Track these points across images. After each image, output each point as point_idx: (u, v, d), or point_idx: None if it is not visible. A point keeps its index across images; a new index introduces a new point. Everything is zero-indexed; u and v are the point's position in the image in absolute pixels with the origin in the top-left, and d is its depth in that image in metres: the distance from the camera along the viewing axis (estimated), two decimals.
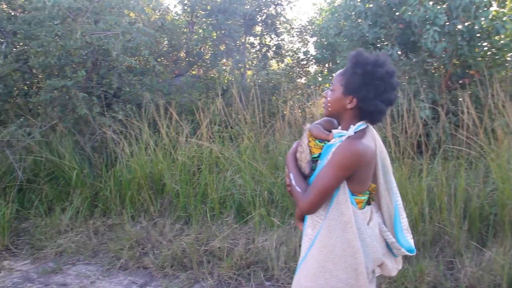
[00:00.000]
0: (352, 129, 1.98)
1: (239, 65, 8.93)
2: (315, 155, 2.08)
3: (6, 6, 6.15)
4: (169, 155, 5.48)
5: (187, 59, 8.51)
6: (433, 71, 6.25)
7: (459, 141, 5.06)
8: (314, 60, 9.15)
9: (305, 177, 2.09)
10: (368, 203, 2.07)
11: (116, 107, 6.05)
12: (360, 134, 1.97)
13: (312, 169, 2.08)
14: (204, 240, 4.40)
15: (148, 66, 6.95)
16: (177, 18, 8.93)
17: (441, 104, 5.41)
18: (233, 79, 8.22)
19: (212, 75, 8.58)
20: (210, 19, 8.61)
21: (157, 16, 8.26)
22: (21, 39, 5.84)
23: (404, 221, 2.17)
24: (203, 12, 8.70)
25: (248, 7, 8.83)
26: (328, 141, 2.04)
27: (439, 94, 5.66)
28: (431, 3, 5.44)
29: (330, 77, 7.32)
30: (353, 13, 6.46)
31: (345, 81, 1.95)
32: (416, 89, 5.47)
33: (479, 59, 5.81)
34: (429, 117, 5.28)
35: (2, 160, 5.52)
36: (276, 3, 9.42)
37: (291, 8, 11.23)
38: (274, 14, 9.49)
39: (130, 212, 5.12)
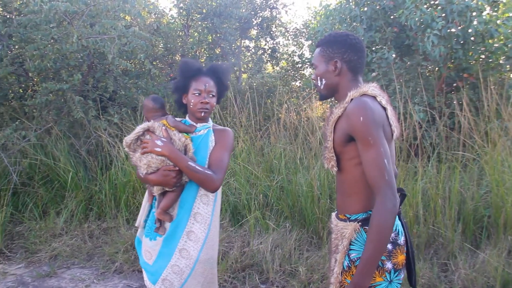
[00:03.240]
0: (211, 121, 2.54)
1: (234, 68, 8.94)
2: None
3: (1, 9, 6.14)
4: None
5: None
6: (427, 74, 6.28)
7: (454, 144, 5.09)
8: (309, 63, 9.17)
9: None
10: None
11: (112, 110, 6.05)
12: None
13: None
14: None
15: (143, 69, 6.95)
16: (172, 21, 8.95)
17: (436, 107, 5.44)
18: (228, 82, 8.21)
19: None
20: (206, 22, 8.63)
21: (152, 20, 8.27)
22: (16, 42, 5.82)
23: None
24: (198, 16, 8.72)
25: (244, 10, 8.85)
26: (190, 132, 2.41)
27: (434, 97, 5.69)
28: (425, 6, 5.47)
29: None
30: (348, 17, 6.49)
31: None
32: (411, 92, 5.49)
33: (473, 62, 5.85)
34: (424, 120, 5.31)
35: None
36: (271, 7, 9.44)
37: (286, 11, 11.29)
38: (270, 17, 9.52)
39: (125, 215, 5.11)
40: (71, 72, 5.78)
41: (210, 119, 2.53)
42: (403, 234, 1.91)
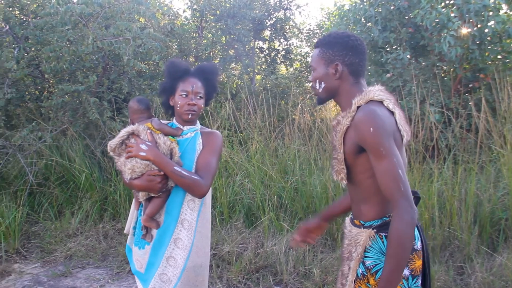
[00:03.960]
0: (198, 123, 2.44)
1: (248, 69, 8.95)
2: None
3: (18, 12, 6.21)
4: None
5: (196, 64, 8.54)
6: (442, 75, 6.22)
7: (470, 146, 5.03)
8: None
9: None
10: None
11: (126, 112, 6.08)
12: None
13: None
14: (213, 244, 4.40)
15: (157, 71, 6.98)
16: (186, 23, 8.98)
17: (452, 108, 5.38)
18: (242, 83, 8.24)
19: (221, 79, 8.60)
20: (219, 23, 8.65)
21: (166, 21, 8.31)
22: (33, 44, 5.89)
23: None
24: (212, 17, 8.74)
25: (257, 11, 8.86)
26: (176, 135, 2.32)
27: (449, 98, 5.63)
28: (441, 5, 5.42)
29: None
30: (362, 18, 6.46)
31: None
32: (426, 93, 5.45)
33: (489, 63, 5.78)
34: (439, 121, 5.26)
35: (14, 164, 5.58)
36: (285, 8, 9.43)
37: (300, 12, 11.28)
38: (283, 18, 9.51)
39: None
40: (86, 74, 5.82)
41: (198, 122, 2.44)
42: (419, 238, 1.86)
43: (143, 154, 2.16)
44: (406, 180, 1.68)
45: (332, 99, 1.96)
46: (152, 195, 2.24)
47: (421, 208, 4.17)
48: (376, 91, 1.82)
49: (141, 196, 2.26)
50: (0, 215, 4.80)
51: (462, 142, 5.17)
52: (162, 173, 2.17)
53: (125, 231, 2.55)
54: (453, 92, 5.74)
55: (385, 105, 1.77)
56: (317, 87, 1.94)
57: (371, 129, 1.67)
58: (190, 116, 2.29)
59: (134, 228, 2.45)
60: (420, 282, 1.86)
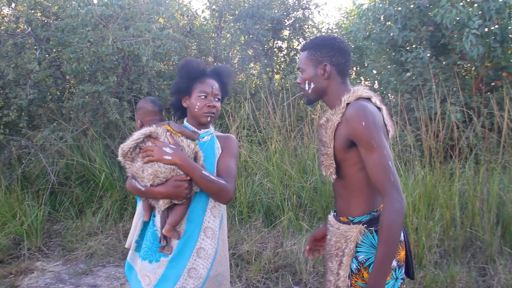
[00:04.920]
0: (212, 127, 2.35)
1: (267, 69, 8.95)
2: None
3: (40, 14, 6.30)
4: None
5: (215, 64, 8.57)
6: (463, 74, 6.13)
7: (492, 145, 4.96)
8: None
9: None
10: None
11: None
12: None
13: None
14: (232, 243, 4.41)
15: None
16: (205, 23, 9.01)
17: (473, 107, 5.31)
18: (261, 83, 8.24)
19: (240, 79, 8.62)
20: (238, 23, 8.66)
21: (185, 22, 8.34)
22: (54, 45, 5.97)
23: None
24: (231, 17, 8.76)
25: (276, 11, 8.84)
26: (193, 139, 2.19)
27: (470, 97, 5.55)
28: (461, 4, 5.34)
29: (358, 81, 7.25)
30: (382, 16, 6.40)
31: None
32: (447, 92, 5.38)
33: None
34: (460, 120, 5.18)
35: (36, 164, 5.66)
36: (304, 7, 9.40)
37: (319, 12, 11.24)
38: (302, 18, 9.48)
39: None
40: (106, 75, 5.88)
41: (211, 125, 2.33)
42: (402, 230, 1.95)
43: (168, 158, 2.00)
44: (395, 171, 1.76)
45: (321, 99, 2.04)
46: (176, 202, 2.07)
47: (442, 208, 4.12)
48: (363, 89, 1.92)
49: (162, 204, 2.07)
50: (23, 214, 4.89)
51: (484, 142, 5.10)
52: (188, 178, 2.03)
53: (126, 245, 2.36)
54: (475, 91, 5.66)
55: (373, 101, 1.87)
56: (306, 88, 2.02)
57: (363, 123, 1.75)
58: (209, 119, 2.18)
59: (137, 242, 2.27)
60: (403, 271, 1.95)
